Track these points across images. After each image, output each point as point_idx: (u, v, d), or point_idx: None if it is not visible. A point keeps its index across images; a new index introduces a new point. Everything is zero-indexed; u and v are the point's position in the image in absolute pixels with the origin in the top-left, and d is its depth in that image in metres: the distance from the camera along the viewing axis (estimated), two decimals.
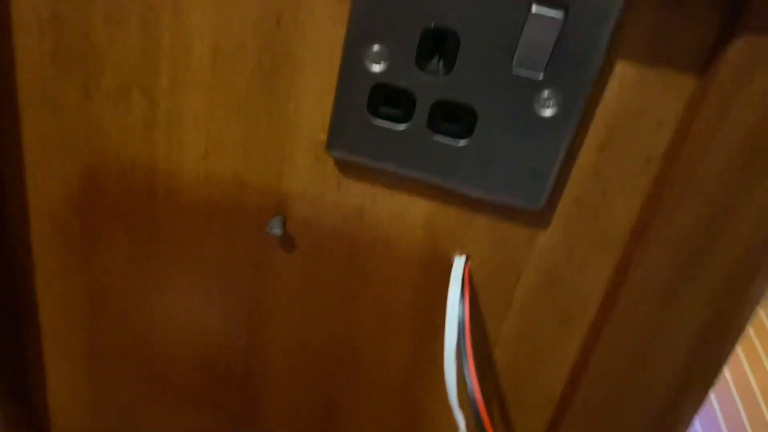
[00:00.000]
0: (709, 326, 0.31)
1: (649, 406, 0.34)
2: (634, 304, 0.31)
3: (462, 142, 0.29)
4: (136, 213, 0.36)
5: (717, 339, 0.31)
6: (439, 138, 0.30)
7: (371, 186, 0.32)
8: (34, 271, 0.40)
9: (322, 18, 0.28)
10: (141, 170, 0.34)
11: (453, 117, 0.29)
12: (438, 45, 0.28)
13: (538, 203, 0.30)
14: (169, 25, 0.30)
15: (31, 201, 0.37)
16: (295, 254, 0.35)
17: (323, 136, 0.31)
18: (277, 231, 0.34)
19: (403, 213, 0.33)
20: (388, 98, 0.29)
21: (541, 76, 0.27)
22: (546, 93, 0.28)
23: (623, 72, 0.27)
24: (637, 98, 0.28)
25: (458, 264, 0.33)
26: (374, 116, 0.30)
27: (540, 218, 0.31)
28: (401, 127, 0.30)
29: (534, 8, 0.26)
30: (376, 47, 0.28)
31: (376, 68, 0.28)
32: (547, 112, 0.28)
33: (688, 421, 0.34)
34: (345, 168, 0.32)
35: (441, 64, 0.28)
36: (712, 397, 1.31)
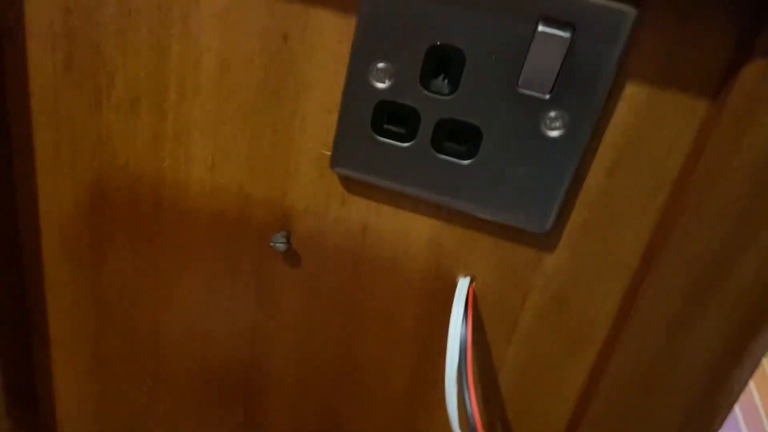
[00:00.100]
0: (722, 356, 0.30)
1: None
2: (644, 332, 0.30)
3: (466, 162, 0.29)
4: (143, 223, 0.36)
5: (730, 369, 0.30)
6: (444, 157, 0.29)
7: (375, 203, 0.32)
8: (43, 278, 0.40)
9: (328, 35, 0.28)
10: (149, 181, 0.35)
11: (458, 136, 0.29)
12: (443, 63, 0.27)
13: (545, 226, 0.30)
14: (178, 39, 0.30)
15: (42, 210, 0.37)
16: (298, 269, 0.35)
17: (328, 153, 0.31)
18: (281, 246, 0.34)
19: (407, 231, 0.32)
20: (393, 116, 0.29)
21: (547, 96, 0.27)
22: (553, 113, 0.27)
23: (633, 94, 0.26)
24: (647, 121, 0.27)
25: (462, 285, 0.32)
26: (378, 134, 0.29)
27: (546, 241, 0.31)
28: (405, 145, 0.29)
29: (540, 27, 0.25)
30: (381, 64, 0.28)
31: (381, 85, 0.28)
32: (554, 133, 0.27)
33: None
34: (349, 184, 0.32)
35: (446, 82, 0.28)
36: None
